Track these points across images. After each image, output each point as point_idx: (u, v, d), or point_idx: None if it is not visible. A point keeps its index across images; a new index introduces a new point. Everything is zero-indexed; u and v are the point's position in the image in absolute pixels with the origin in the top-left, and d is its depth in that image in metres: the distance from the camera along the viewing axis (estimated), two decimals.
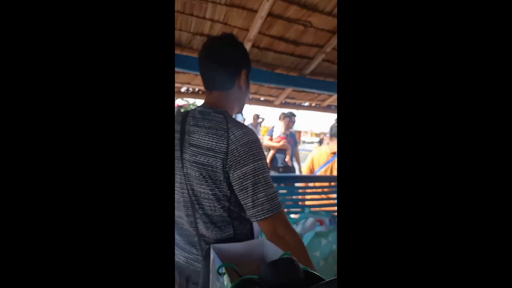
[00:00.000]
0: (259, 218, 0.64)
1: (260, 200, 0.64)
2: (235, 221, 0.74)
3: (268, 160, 3.34)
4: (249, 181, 0.64)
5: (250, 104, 2.61)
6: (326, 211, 1.78)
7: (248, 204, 0.65)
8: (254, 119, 4.47)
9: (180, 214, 0.76)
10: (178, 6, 1.30)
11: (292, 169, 3.43)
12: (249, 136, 0.67)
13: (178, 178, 0.75)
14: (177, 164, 0.74)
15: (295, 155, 3.53)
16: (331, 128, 2.27)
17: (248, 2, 1.29)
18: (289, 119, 3.45)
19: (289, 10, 1.38)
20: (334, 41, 1.65)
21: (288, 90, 2.35)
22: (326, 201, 2.11)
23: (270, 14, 1.37)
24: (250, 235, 0.78)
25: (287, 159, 3.29)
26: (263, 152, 0.69)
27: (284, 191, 2.00)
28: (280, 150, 3.32)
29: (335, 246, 1.37)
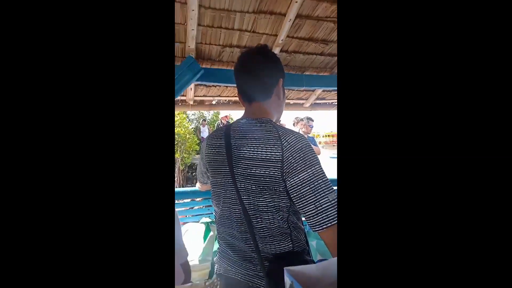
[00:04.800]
0: (324, 227, 0.59)
1: (323, 206, 0.59)
2: (294, 232, 0.70)
3: None
4: (307, 187, 0.61)
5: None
6: None
7: (310, 212, 0.61)
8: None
9: (231, 231, 0.74)
10: (207, 20, 1.31)
11: None
12: (302, 142, 0.65)
13: (228, 194, 0.72)
14: (226, 179, 0.72)
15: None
16: None
17: (275, 6, 1.26)
18: (305, 123, 3.31)
19: (318, 8, 1.33)
20: None
21: (318, 91, 2.28)
22: None
23: (298, 16, 1.33)
24: (307, 245, 0.74)
25: None
26: (317, 156, 0.65)
27: None
28: None
29: None
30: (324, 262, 0.58)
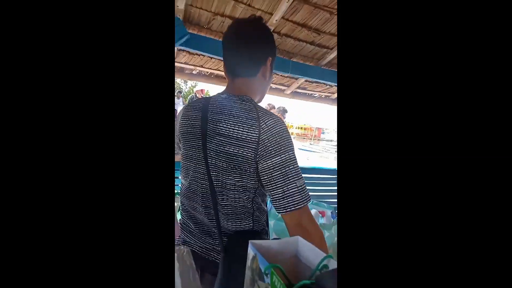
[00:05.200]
0: (288, 210, 0.62)
1: (290, 191, 0.62)
2: (256, 212, 0.72)
3: None
4: (279, 171, 0.62)
5: None
6: (327, 203, 1.80)
7: (277, 196, 0.62)
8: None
9: (194, 205, 0.74)
10: None
11: None
12: (280, 126, 0.64)
13: (197, 168, 0.71)
14: (198, 153, 0.70)
15: None
16: None
17: None
18: (280, 113, 3.39)
19: None
20: None
21: (301, 80, 2.29)
22: (328, 193, 2.11)
23: None
24: (266, 226, 0.77)
25: None
26: (292, 142, 0.66)
27: None
28: None
29: (336, 239, 1.39)
30: (284, 239, 0.62)
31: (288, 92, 2.50)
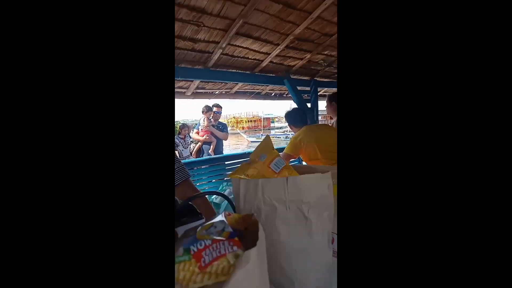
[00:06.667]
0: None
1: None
2: None
3: (194, 151, 3.51)
4: None
5: None
6: None
7: None
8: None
9: None
10: None
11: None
12: None
13: None
14: None
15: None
16: None
17: None
18: (211, 112, 3.48)
19: (179, 12, 1.55)
20: (227, 38, 1.91)
21: (197, 81, 2.53)
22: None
23: None
24: None
25: (210, 150, 3.44)
26: None
27: None
28: (206, 142, 3.47)
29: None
30: None
31: (189, 93, 2.70)
